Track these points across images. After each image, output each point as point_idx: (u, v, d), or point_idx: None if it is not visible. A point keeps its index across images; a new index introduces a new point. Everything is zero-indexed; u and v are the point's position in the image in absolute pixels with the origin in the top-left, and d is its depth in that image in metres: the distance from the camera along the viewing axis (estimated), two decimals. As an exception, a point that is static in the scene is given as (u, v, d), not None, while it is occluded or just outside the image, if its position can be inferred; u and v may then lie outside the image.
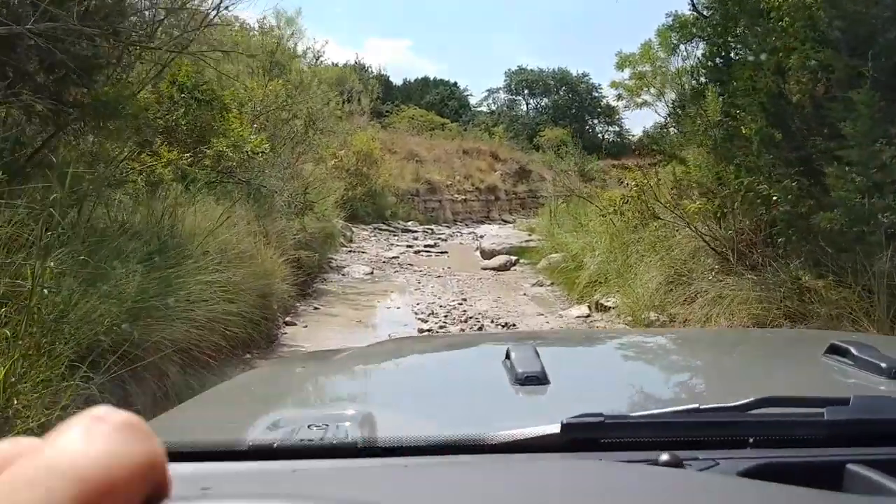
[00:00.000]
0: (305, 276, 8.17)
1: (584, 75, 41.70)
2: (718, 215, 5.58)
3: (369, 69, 28.88)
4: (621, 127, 42.36)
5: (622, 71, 16.34)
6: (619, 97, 16.79)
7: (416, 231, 16.39)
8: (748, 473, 0.66)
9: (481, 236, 15.56)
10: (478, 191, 22.81)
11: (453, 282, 9.29)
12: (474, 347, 1.69)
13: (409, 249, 12.72)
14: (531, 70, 41.83)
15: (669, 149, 9.51)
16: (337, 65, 12.60)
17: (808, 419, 0.75)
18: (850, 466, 0.66)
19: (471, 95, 43.46)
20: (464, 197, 21.82)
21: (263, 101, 8.22)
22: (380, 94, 26.93)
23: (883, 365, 1.01)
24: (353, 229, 14.32)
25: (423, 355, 1.57)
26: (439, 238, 15.26)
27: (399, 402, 1.09)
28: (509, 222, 22.95)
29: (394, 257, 11.48)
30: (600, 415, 0.73)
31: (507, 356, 1.06)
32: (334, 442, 0.73)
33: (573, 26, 67.82)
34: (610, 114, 41.74)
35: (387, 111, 30.58)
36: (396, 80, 39.79)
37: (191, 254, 4.79)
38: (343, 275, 9.41)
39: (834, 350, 1.12)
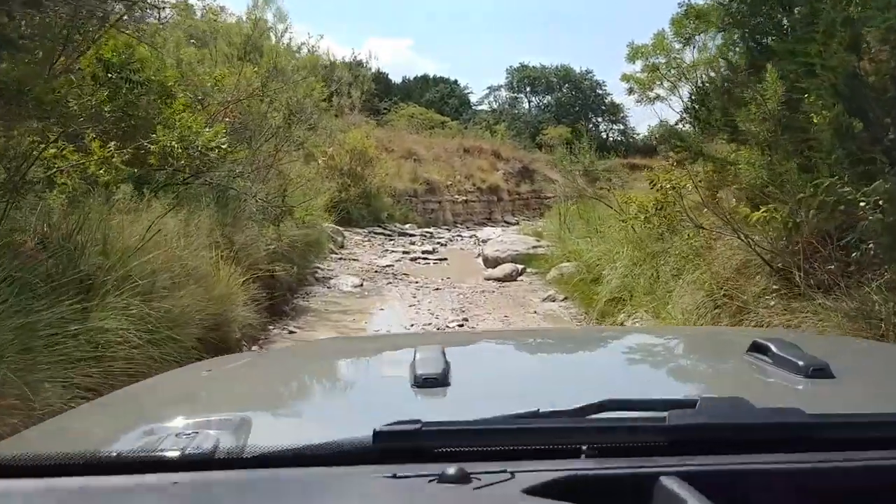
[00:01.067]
0: (285, 291, 7.03)
1: (588, 72, 40.55)
2: (790, 225, 4.43)
3: (366, 64, 27.67)
4: (625, 125, 41.20)
5: (633, 63, 15.14)
6: (631, 91, 15.59)
7: (413, 235, 15.23)
8: (541, 489, 0.61)
9: (484, 241, 14.41)
10: (479, 191, 21.66)
11: (453, 295, 8.14)
12: (391, 349, 1.60)
13: (406, 256, 11.57)
14: (533, 67, 40.64)
15: (696, 145, 8.41)
16: (315, 52, 11.37)
17: (648, 424, 0.70)
18: (661, 479, 0.61)
19: (471, 93, 42.32)
20: (464, 198, 20.66)
21: (236, 89, 7.08)
22: (374, 88, 25.78)
23: (800, 363, 0.98)
24: (346, 234, 13.17)
25: (335, 358, 1.49)
26: (438, 242, 14.10)
27: (289, 407, 1.07)
28: (512, 224, 21.81)
29: (388, 266, 10.33)
30: (418, 422, 0.69)
31: (414, 357, 1.03)
32: (187, 452, 0.70)
33: (575, 24, 66.63)
34: (614, 111, 40.54)
35: (385, 108, 29.43)
36: (396, 79, 38.62)
37: (117, 278, 3.66)
38: (329, 287, 8.27)
39: (756, 348, 1.10)
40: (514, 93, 41.21)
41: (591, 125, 40.00)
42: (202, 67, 7.65)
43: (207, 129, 5.12)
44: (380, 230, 14.98)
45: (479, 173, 22.38)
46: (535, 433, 0.71)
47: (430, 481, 0.63)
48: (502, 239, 10.52)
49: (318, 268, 9.23)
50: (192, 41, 9.07)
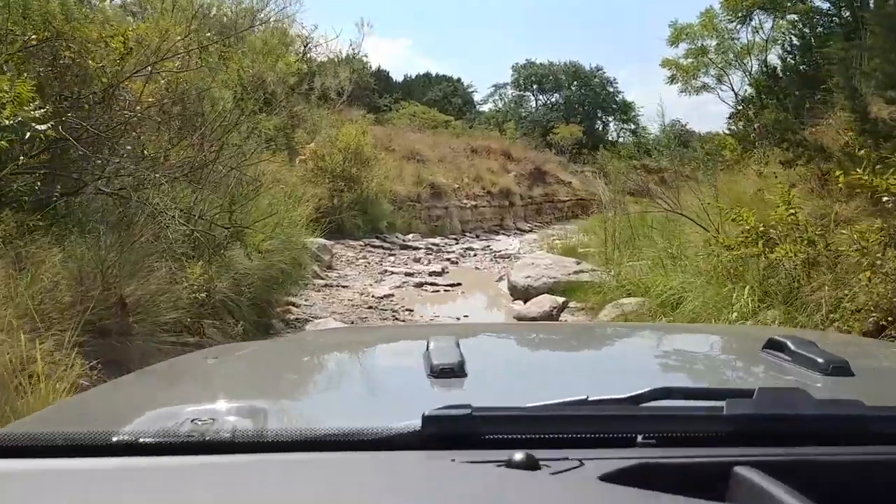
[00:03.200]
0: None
1: (598, 69, 37.99)
2: None
3: (364, 58, 25.18)
4: (637, 124, 38.65)
5: (675, 46, 12.61)
6: (673, 79, 13.05)
7: (417, 247, 12.73)
8: (614, 476, 0.58)
9: (502, 256, 11.90)
10: (489, 195, 19.14)
11: (477, 349, 5.65)
12: (400, 340, 1.60)
13: (409, 280, 9.07)
14: (540, 64, 38.08)
15: (814, 141, 5.94)
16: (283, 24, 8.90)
17: (705, 413, 0.68)
18: (737, 469, 0.59)
19: (475, 92, 39.85)
20: (473, 202, 18.14)
21: (157, 51, 4.59)
22: (373, 83, 23.36)
23: (819, 360, 0.96)
24: (336, 249, 10.68)
25: (345, 347, 1.43)
26: (447, 258, 11.58)
27: (307, 395, 1.05)
28: (526, 232, 19.30)
29: (386, 296, 7.83)
30: (468, 406, 0.66)
31: (427, 348, 1.00)
32: (206, 437, 0.68)
33: (581, 20, 64.17)
34: (626, 110, 38.02)
35: (385, 105, 26.95)
36: (396, 78, 36.10)
37: None
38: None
39: (772, 345, 1.07)
40: (520, 91, 38.70)
41: (597, 125, 37.50)
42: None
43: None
44: (378, 242, 12.48)
45: (489, 175, 19.87)
46: (590, 420, 0.68)
47: (498, 466, 0.60)
48: (534, 261, 7.99)
49: (292, 304, 6.74)
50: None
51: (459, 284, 8.92)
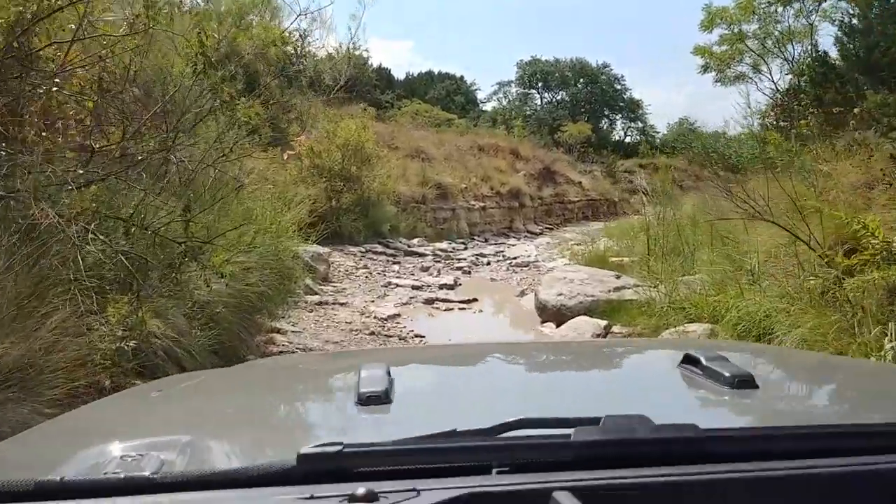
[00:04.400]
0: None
1: (605, 66, 36.60)
2: None
3: (365, 52, 23.88)
4: (644, 123, 37.32)
5: (709, 31, 11.24)
6: (706, 69, 11.67)
7: (424, 254, 11.44)
8: None
9: (517, 263, 10.59)
10: (498, 196, 17.82)
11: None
12: (340, 368, 1.52)
13: (417, 295, 7.77)
14: (546, 61, 36.70)
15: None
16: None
17: (555, 441, 0.72)
18: (554, 494, 0.64)
19: (478, 90, 38.49)
20: (482, 204, 16.82)
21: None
22: (374, 79, 22.11)
23: (727, 374, 0.98)
24: (334, 257, 9.40)
25: (287, 375, 1.44)
26: (458, 266, 10.26)
27: (233, 427, 1.03)
28: (537, 234, 17.98)
29: (391, 316, 6.53)
30: (340, 443, 0.70)
31: (358, 375, 1.02)
32: (124, 477, 0.70)
33: (579, 21, 62.82)
34: (633, 108, 36.68)
35: (387, 101, 25.65)
36: (399, 75, 34.77)
37: None
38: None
39: (688, 360, 1.09)
40: (524, 88, 37.34)
41: (602, 123, 36.18)
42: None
43: None
44: (380, 248, 11.18)
45: (498, 175, 18.55)
46: (445, 452, 0.72)
47: (341, 502, 0.65)
48: (565, 274, 6.66)
49: (277, 331, 5.44)
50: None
51: (476, 300, 7.60)
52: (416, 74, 36.88)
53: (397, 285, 8.19)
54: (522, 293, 7.58)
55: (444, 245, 12.96)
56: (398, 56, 53.15)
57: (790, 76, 11.30)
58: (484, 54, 61.21)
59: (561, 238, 16.29)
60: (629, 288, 6.41)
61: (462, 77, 37.48)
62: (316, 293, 7.20)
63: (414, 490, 0.65)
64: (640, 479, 0.67)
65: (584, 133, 28.03)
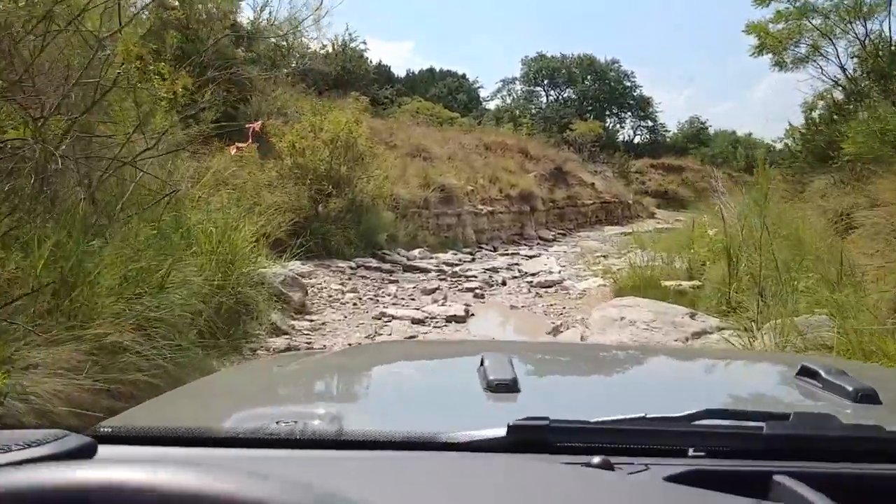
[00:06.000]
0: None
1: (614, 62, 34.76)
2: None
3: (362, 44, 22.05)
4: (654, 121, 35.47)
5: (766, 5, 9.38)
6: (761, 49, 9.79)
7: (426, 268, 9.60)
8: (674, 479, 0.67)
9: (540, 283, 8.73)
10: (508, 199, 15.97)
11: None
12: (453, 355, 1.58)
13: (419, 331, 5.92)
14: (552, 57, 34.86)
15: None
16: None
17: (747, 431, 0.74)
18: (776, 477, 0.66)
19: (481, 88, 36.64)
20: (490, 208, 14.98)
21: None
22: (373, 73, 20.27)
23: (849, 388, 0.98)
24: (317, 277, 7.56)
25: (401, 360, 1.48)
26: (468, 286, 8.40)
27: (371, 404, 1.07)
28: (550, 241, 16.10)
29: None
30: (546, 419, 0.73)
31: (482, 364, 1.04)
32: (298, 436, 0.74)
33: (581, 21, 60.96)
34: (643, 106, 34.84)
35: (386, 97, 23.80)
36: (399, 73, 32.94)
37: None
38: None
39: (805, 372, 1.09)
40: (530, 86, 35.52)
41: (610, 121, 34.30)
42: None
43: None
44: (374, 263, 9.33)
45: (506, 176, 16.71)
46: (645, 434, 0.74)
47: (583, 467, 0.66)
48: (622, 313, 4.78)
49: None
50: None
51: (492, 339, 5.77)
52: (416, 72, 35.09)
53: (393, 317, 6.35)
54: (556, 330, 5.73)
55: (448, 256, 11.12)
56: (398, 56, 51.23)
57: (855, 59, 9.44)
58: (486, 54, 59.34)
59: (580, 246, 14.45)
60: (712, 332, 4.58)
61: (464, 75, 35.70)
62: (285, 332, 5.36)
63: (642, 465, 0.68)
64: (832, 469, 0.70)
65: (594, 131, 26.21)
